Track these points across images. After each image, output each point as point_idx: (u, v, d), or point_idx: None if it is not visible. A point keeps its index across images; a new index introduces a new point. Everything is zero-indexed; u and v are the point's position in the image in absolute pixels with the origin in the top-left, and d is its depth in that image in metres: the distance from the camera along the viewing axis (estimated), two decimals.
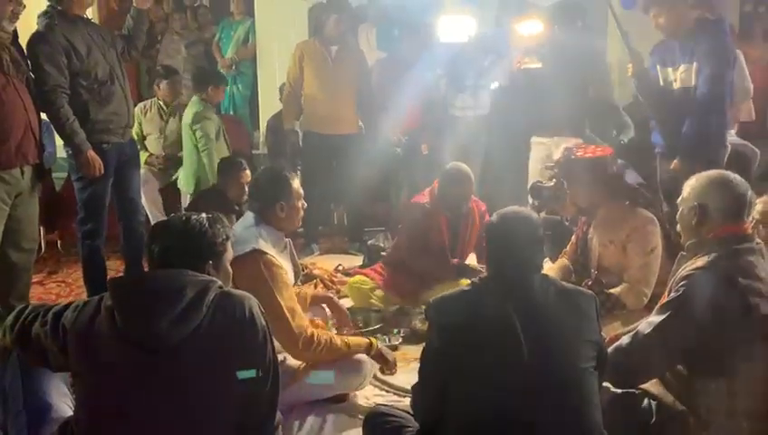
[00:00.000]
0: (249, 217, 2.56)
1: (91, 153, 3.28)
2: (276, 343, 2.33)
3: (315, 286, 3.86)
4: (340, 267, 4.20)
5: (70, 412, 1.75)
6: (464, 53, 4.66)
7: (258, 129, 6.34)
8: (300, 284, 3.82)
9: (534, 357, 1.71)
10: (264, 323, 1.65)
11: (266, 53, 6.26)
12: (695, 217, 2.12)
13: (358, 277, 3.72)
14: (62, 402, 1.83)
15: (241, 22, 6.34)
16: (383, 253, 4.11)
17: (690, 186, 2.18)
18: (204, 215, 1.74)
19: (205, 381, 1.55)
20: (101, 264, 3.60)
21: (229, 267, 1.80)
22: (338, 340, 2.45)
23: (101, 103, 3.37)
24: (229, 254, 1.79)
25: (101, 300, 1.62)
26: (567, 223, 3.36)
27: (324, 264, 4.33)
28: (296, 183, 2.60)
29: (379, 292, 3.60)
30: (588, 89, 4.35)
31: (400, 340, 3.11)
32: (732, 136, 5.82)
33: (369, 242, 4.45)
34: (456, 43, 4.55)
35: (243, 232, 2.48)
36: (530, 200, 3.42)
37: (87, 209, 3.47)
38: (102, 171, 3.33)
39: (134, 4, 3.57)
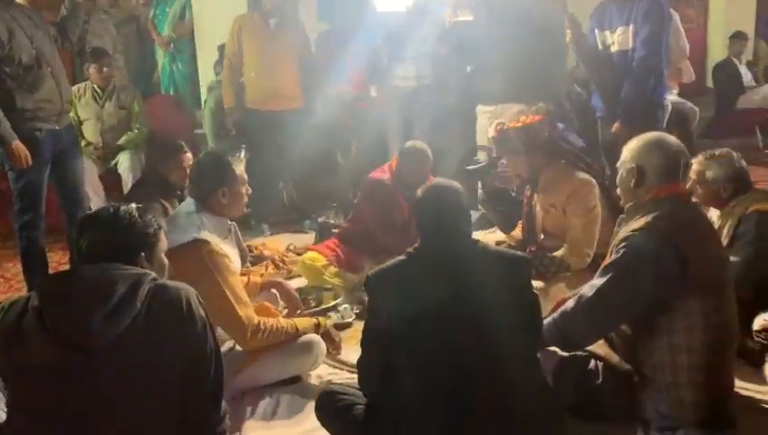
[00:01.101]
0: (189, 203, 2.47)
1: (17, 144, 3.14)
2: (222, 332, 2.33)
3: (266, 268, 3.82)
4: (292, 247, 4.14)
5: (3, 416, 1.68)
6: (402, 23, 4.60)
7: (200, 107, 6.16)
8: (249, 266, 3.78)
9: (469, 324, 1.73)
10: (202, 313, 1.61)
11: (204, 29, 6.06)
12: (633, 179, 2.15)
13: (310, 254, 3.67)
14: None
15: None
16: (335, 229, 4.08)
17: (628, 149, 2.21)
18: (133, 205, 1.67)
19: (143, 378, 1.50)
20: (42, 256, 3.48)
21: (164, 258, 1.74)
22: (285, 323, 2.42)
23: (29, 90, 3.22)
24: (162, 244, 1.73)
25: (29, 299, 1.54)
26: (514, 194, 3.39)
27: (275, 244, 4.27)
28: (240, 168, 2.53)
29: (332, 268, 3.57)
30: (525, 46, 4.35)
31: (353, 316, 3.11)
32: (673, 95, 5.99)
33: (320, 219, 4.40)
34: (394, 12, 4.48)
35: (183, 220, 2.41)
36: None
37: (23, 200, 3.34)
38: (30, 162, 3.20)
39: None
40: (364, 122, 4.78)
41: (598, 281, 2.12)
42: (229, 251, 2.46)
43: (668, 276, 2.01)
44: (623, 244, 2.08)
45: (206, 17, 5.97)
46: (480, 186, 4.17)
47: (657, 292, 2.03)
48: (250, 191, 2.58)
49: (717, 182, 2.76)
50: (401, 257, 1.87)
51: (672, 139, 2.19)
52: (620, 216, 2.25)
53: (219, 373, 1.62)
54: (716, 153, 2.83)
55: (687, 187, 2.74)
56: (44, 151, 3.29)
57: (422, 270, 1.81)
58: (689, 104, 6.16)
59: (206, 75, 6.05)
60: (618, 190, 2.27)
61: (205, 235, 2.35)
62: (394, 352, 1.77)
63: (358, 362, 1.93)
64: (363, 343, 1.90)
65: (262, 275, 3.70)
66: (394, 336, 1.76)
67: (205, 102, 5.47)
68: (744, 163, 2.81)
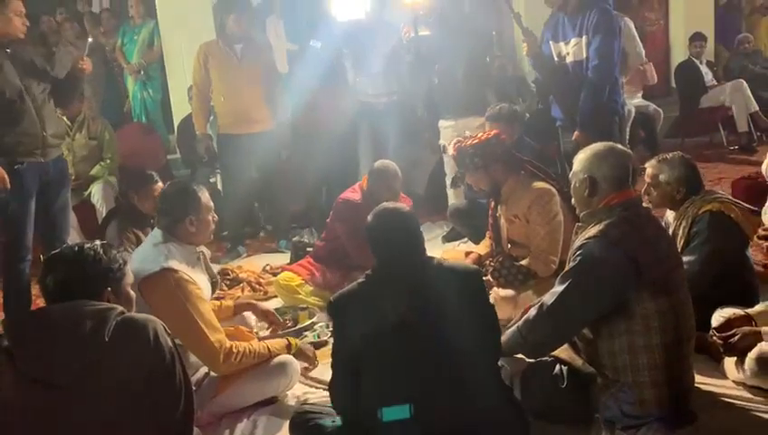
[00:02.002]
0: (157, 233, 2.51)
1: None
2: (196, 359, 2.37)
3: (242, 290, 3.86)
4: (268, 267, 4.19)
5: None
6: (362, 29, 4.66)
7: (173, 132, 6.21)
8: (225, 288, 3.83)
9: (428, 337, 1.81)
10: (170, 344, 1.65)
11: (174, 54, 6.12)
12: (586, 189, 2.24)
13: (284, 274, 3.73)
14: None
15: (143, 24, 6.19)
16: (309, 249, 4.13)
17: (579, 160, 2.29)
18: (97, 242, 1.72)
19: (112, 413, 1.54)
20: (24, 291, 3.49)
21: (131, 291, 1.79)
22: (257, 346, 2.46)
23: (9, 124, 3.26)
24: (128, 278, 1.78)
25: None
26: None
27: (252, 265, 4.32)
28: (205, 196, 2.57)
29: (306, 287, 3.63)
30: (483, 59, 4.45)
31: (329, 334, 3.15)
32: (637, 98, 6.13)
33: (295, 239, 4.45)
34: (353, 20, 4.55)
35: (150, 250, 2.45)
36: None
37: (7, 232, 3.37)
38: (7, 185, 3.22)
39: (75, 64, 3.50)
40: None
41: (557, 288, 2.19)
42: (198, 278, 2.50)
43: (623, 280, 2.09)
44: (579, 251, 2.17)
45: (176, 43, 6.03)
46: (456, 196, 4.25)
47: (614, 295, 2.11)
48: (216, 218, 2.62)
49: (671, 184, 2.85)
50: (360, 280, 1.95)
51: (619, 147, 2.28)
52: (577, 224, 2.33)
53: (189, 405, 1.66)
54: (669, 156, 2.93)
55: (643, 190, 2.86)
56: (26, 184, 3.33)
57: (380, 289, 1.89)
58: (653, 106, 6.33)
59: (177, 100, 6.11)
60: (572, 200, 2.35)
61: (173, 263, 2.39)
62: (361, 370, 1.83)
63: (330, 383, 2.00)
64: (332, 364, 1.96)
65: (238, 298, 3.77)
66: (359, 354, 1.82)
67: None
68: (695, 164, 2.90)
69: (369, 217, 2.03)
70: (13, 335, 1.56)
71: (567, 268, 2.20)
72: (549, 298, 2.21)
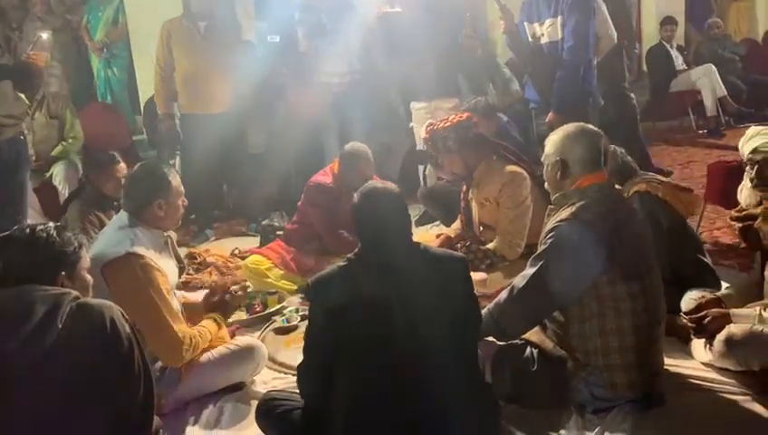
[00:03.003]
0: (123, 217, 2.42)
1: None
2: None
3: (210, 274, 3.78)
4: (236, 251, 4.10)
5: None
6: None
7: (139, 113, 6.05)
8: (191, 273, 3.74)
9: (409, 324, 1.75)
10: (128, 330, 1.59)
11: (139, 33, 5.94)
12: (558, 171, 2.21)
13: (253, 257, 3.65)
14: None
15: (109, 1, 5.99)
16: (279, 232, 4.06)
17: (550, 142, 2.27)
18: (50, 224, 1.63)
19: (67, 402, 1.47)
20: None
21: (87, 276, 1.71)
22: (205, 331, 2.41)
23: None
24: (84, 262, 1.70)
25: None
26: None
27: (221, 249, 4.23)
28: (176, 180, 2.48)
29: (276, 271, 3.56)
30: (455, 40, 4.40)
31: (299, 319, 3.09)
32: None
33: (264, 222, 4.37)
34: None
35: (116, 234, 2.36)
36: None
37: None
38: None
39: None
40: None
41: (528, 271, 2.17)
42: (165, 264, 2.42)
43: (594, 263, 2.08)
44: (550, 234, 2.15)
45: (142, 21, 5.85)
46: (422, 180, 4.21)
47: (585, 278, 2.09)
48: (186, 203, 2.54)
49: None
50: (341, 263, 1.87)
51: (591, 128, 2.25)
52: (549, 206, 2.31)
53: (148, 392, 1.60)
54: None
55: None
56: None
57: (362, 274, 1.81)
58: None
59: (143, 79, 5.94)
60: (545, 184, 2.33)
61: (139, 249, 2.31)
62: (335, 355, 1.78)
63: (298, 366, 1.94)
64: (305, 349, 1.90)
65: (205, 283, 3.68)
66: (335, 340, 1.77)
67: None
68: (628, 159, 2.90)
69: (357, 195, 1.93)
70: None
71: (538, 250, 2.17)
72: (520, 281, 2.19)
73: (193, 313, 2.57)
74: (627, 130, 4.56)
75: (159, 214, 2.42)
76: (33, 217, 4.19)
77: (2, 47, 3.31)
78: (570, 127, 2.25)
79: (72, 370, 1.49)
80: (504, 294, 2.22)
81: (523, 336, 2.27)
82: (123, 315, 1.61)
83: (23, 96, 3.45)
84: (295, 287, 3.47)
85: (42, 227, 1.62)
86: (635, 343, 2.12)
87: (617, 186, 2.77)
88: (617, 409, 2.14)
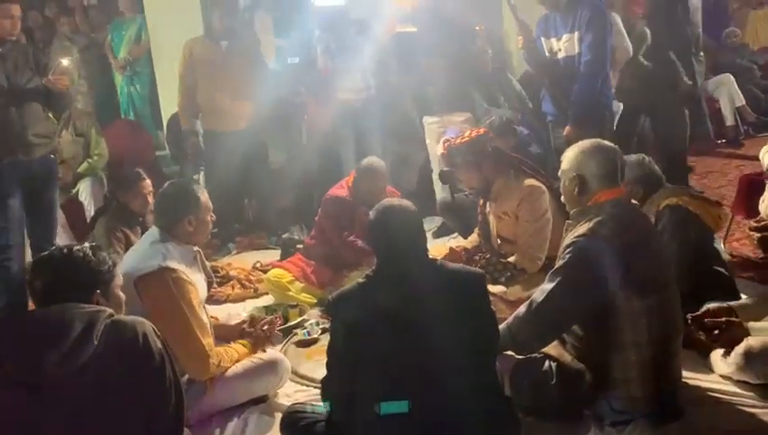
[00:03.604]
0: (154, 232, 2.50)
1: None
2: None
3: (232, 288, 3.85)
4: (258, 264, 4.17)
5: None
6: (341, 18, 4.65)
7: (161, 128, 6.16)
8: (215, 286, 3.82)
9: (427, 341, 1.79)
10: (160, 345, 1.65)
11: (162, 49, 6.05)
12: (575, 187, 2.24)
13: (275, 271, 3.71)
14: None
15: (132, 19, 6.14)
16: (299, 245, 4.12)
17: (567, 158, 2.30)
18: (86, 244, 1.71)
19: (102, 415, 1.54)
20: (14, 278, 3.44)
21: (120, 293, 1.78)
22: (232, 352, 2.49)
23: None
24: (118, 280, 1.77)
25: None
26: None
27: (243, 262, 4.30)
28: (204, 196, 2.57)
29: (297, 284, 3.62)
30: (469, 57, 4.45)
31: (320, 332, 3.15)
32: None
33: (284, 235, 4.44)
34: (332, 5, 4.53)
35: (148, 249, 2.43)
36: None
37: None
38: None
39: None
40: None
41: (547, 286, 2.20)
42: (196, 278, 2.49)
43: (612, 278, 2.10)
44: (568, 249, 2.18)
45: (164, 38, 5.96)
46: (444, 191, 4.24)
47: (602, 294, 2.12)
48: (214, 218, 2.62)
49: (629, 184, 2.84)
50: (360, 280, 1.92)
51: (607, 144, 2.28)
52: (567, 221, 2.34)
53: (179, 406, 1.66)
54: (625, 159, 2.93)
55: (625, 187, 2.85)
56: (6, 182, 3.32)
57: (380, 290, 1.85)
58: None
59: (165, 95, 6.05)
60: (562, 198, 2.36)
61: (171, 263, 2.38)
62: (356, 370, 1.83)
63: (322, 381, 1.99)
64: (328, 364, 1.95)
65: (228, 296, 3.76)
66: (356, 355, 1.81)
67: None
68: (654, 167, 2.91)
69: (372, 213, 1.98)
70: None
71: (557, 266, 2.20)
72: (538, 295, 2.21)
73: (227, 332, 2.67)
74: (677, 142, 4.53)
75: (189, 229, 2.50)
76: (60, 233, 4.31)
77: (32, 70, 3.44)
78: (586, 143, 2.28)
79: (106, 383, 1.55)
80: (522, 309, 2.25)
81: (542, 350, 2.30)
82: (155, 331, 1.67)
83: (51, 116, 3.57)
84: (315, 300, 3.53)
85: (78, 247, 1.69)
86: (653, 356, 2.13)
87: (644, 195, 2.82)
88: (635, 422, 2.15)
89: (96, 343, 1.55)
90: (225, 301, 3.76)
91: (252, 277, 3.92)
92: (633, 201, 2.47)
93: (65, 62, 3.51)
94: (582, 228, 2.19)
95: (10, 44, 3.39)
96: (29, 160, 3.42)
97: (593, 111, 3.62)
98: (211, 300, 3.51)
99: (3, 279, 3.46)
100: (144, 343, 1.62)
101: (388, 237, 1.92)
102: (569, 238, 2.22)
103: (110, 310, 1.65)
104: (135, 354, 1.60)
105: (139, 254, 2.45)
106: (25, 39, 3.56)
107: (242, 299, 3.74)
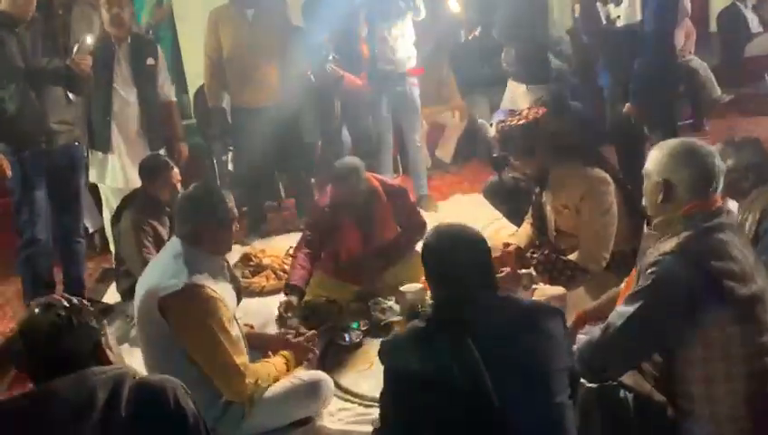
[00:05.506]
0: (176, 243, 2.28)
1: None
2: None
3: (267, 278, 3.67)
4: (291, 250, 3.94)
5: None
6: None
7: (186, 92, 5.95)
8: (248, 276, 3.64)
9: (503, 399, 1.55)
10: (191, 405, 1.46)
11: (185, 12, 5.81)
12: (660, 194, 1.95)
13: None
14: None
15: None
16: None
17: (653, 160, 2.00)
18: (63, 301, 1.48)
19: None
20: (41, 272, 3.39)
21: (115, 344, 1.59)
22: (271, 368, 2.33)
23: (11, 112, 3.15)
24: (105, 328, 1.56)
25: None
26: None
27: (275, 248, 4.10)
28: (230, 201, 2.37)
29: (329, 281, 3.40)
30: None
31: (361, 335, 2.94)
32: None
33: None
34: None
35: (171, 263, 2.23)
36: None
37: (19, 219, 3.31)
38: (8, 174, 3.17)
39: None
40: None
41: (626, 309, 1.94)
42: (223, 288, 2.29)
43: (703, 303, 1.83)
44: (653, 268, 1.90)
45: (188, 6, 5.72)
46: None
47: (692, 320, 1.85)
48: (238, 227, 2.43)
49: (738, 171, 2.52)
50: (417, 323, 1.67)
51: (704, 147, 1.96)
52: (648, 230, 2.06)
53: None
54: (736, 139, 2.60)
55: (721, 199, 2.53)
56: (30, 173, 3.23)
57: (444, 339, 1.58)
58: (697, 60, 5.89)
59: (190, 59, 5.81)
60: (643, 201, 2.07)
61: (197, 278, 2.17)
62: (411, 424, 1.60)
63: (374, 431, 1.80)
64: (380, 415, 1.76)
65: (263, 287, 3.57)
66: (411, 409, 1.59)
67: None
68: (765, 149, 2.57)
69: (429, 237, 1.71)
70: (19, 419, 1.37)
71: (638, 286, 1.93)
72: (616, 319, 1.95)
73: (264, 342, 2.52)
74: None
75: (214, 238, 2.29)
76: (88, 219, 4.16)
77: (52, 50, 3.27)
78: (677, 143, 1.97)
79: None
80: (597, 332, 2.00)
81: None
82: (185, 389, 1.49)
83: (73, 100, 3.38)
84: (352, 296, 3.30)
85: (60, 310, 1.45)
86: (746, 391, 1.88)
87: (752, 185, 2.50)
88: None
89: (124, 414, 1.36)
90: (261, 292, 3.57)
91: (286, 266, 3.71)
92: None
93: (89, 39, 3.29)
94: (668, 244, 1.90)
95: (26, 23, 3.16)
96: (51, 150, 3.28)
97: (658, 88, 3.27)
98: (246, 292, 3.34)
99: (29, 274, 3.38)
100: (176, 407, 1.43)
101: (446, 270, 1.65)
102: (653, 255, 1.94)
103: (132, 370, 1.45)
104: (168, 419, 1.42)
105: (161, 269, 2.25)
106: (45, 7, 3.33)
107: (277, 291, 3.52)
